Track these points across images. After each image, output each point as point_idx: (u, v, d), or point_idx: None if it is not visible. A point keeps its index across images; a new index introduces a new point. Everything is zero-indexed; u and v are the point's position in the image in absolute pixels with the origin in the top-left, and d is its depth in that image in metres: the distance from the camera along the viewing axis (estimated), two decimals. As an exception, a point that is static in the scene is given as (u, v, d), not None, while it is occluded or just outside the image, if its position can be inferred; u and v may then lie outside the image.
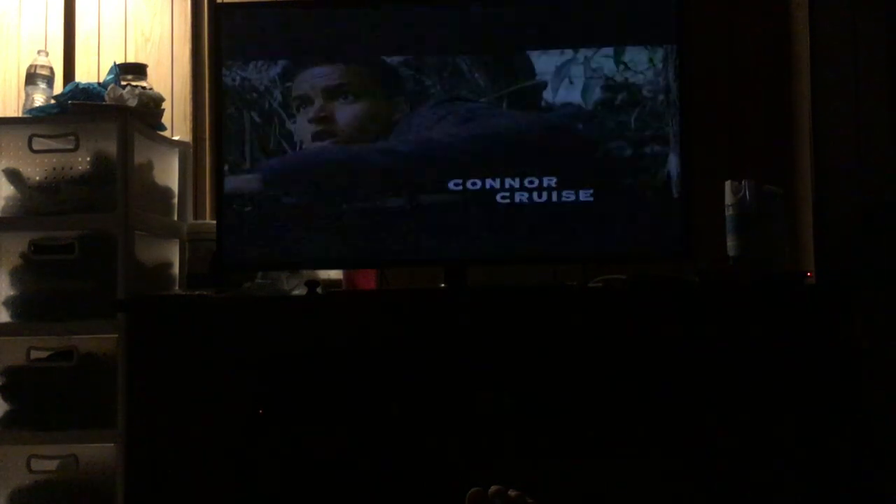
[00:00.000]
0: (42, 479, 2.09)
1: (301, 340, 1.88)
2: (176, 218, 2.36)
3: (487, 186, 1.96)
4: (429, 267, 2.09)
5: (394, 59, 1.99)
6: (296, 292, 2.10)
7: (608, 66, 1.96)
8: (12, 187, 2.15)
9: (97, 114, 2.13)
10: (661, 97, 1.94)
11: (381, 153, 1.99)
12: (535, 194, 1.96)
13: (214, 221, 2.09)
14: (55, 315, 2.09)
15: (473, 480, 1.39)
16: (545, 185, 1.96)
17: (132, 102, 2.16)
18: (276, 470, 1.84)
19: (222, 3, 2.37)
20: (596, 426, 1.81)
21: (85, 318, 2.07)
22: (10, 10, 2.55)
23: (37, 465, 2.09)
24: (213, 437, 1.87)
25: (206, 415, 1.87)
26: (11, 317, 2.13)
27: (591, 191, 1.95)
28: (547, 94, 1.97)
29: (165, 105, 2.31)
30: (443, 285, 2.01)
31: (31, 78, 2.30)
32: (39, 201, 2.12)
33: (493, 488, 1.34)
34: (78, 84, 2.20)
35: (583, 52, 1.96)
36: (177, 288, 2.31)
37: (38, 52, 2.36)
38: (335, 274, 2.19)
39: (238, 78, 2.01)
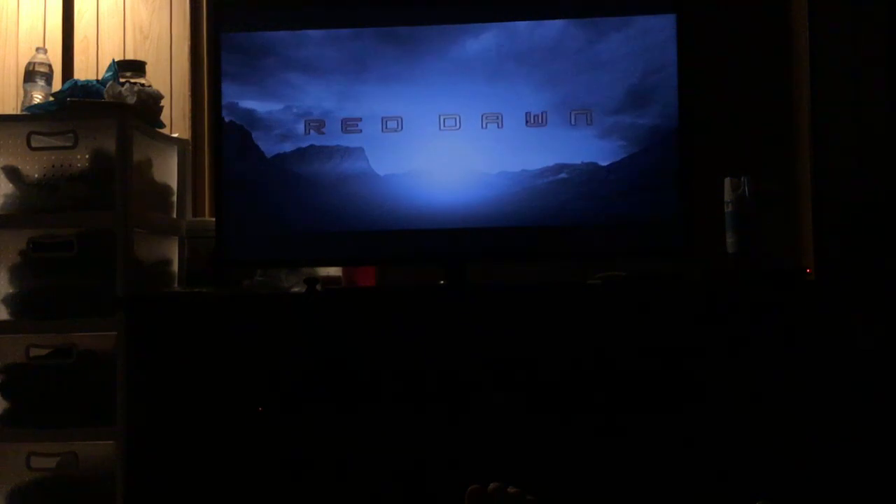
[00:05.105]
0: (42, 477, 2.09)
1: (300, 338, 1.88)
2: (175, 215, 2.36)
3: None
4: (428, 264, 2.09)
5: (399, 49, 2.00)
6: (295, 290, 2.10)
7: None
8: (11, 185, 2.15)
9: (96, 111, 2.12)
10: (660, 94, 1.95)
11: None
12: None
13: (213, 219, 2.09)
14: (54, 313, 2.08)
15: (473, 477, 1.39)
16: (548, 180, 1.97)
17: (131, 100, 2.15)
18: (275, 467, 1.85)
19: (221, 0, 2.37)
20: (596, 423, 1.81)
21: (84, 316, 2.06)
22: (9, 7, 2.55)
23: (36, 462, 2.09)
24: (212, 434, 1.87)
25: (206, 412, 1.87)
26: (10, 314, 2.13)
27: (592, 187, 1.96)
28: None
29: (164, 102, 2.31)
30: (442, 282, 2.01)
31: (30, 75, 2.30)
32: (38, 199, 2.12)
33: (492, 485, 1.35)
34: (76, 81, 2.19)
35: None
36: (176, 285, 2.31)
37: (37, 49, 2.36)
38: (334, 271, 2.19)
39: (237, 74, 2.01)
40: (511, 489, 1.34)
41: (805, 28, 2.14)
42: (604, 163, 1.96)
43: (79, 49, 2.52)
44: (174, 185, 2.37)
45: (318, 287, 1.94)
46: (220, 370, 1.88)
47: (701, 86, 2.13)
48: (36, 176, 2.14)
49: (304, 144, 2.00)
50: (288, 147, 2.00)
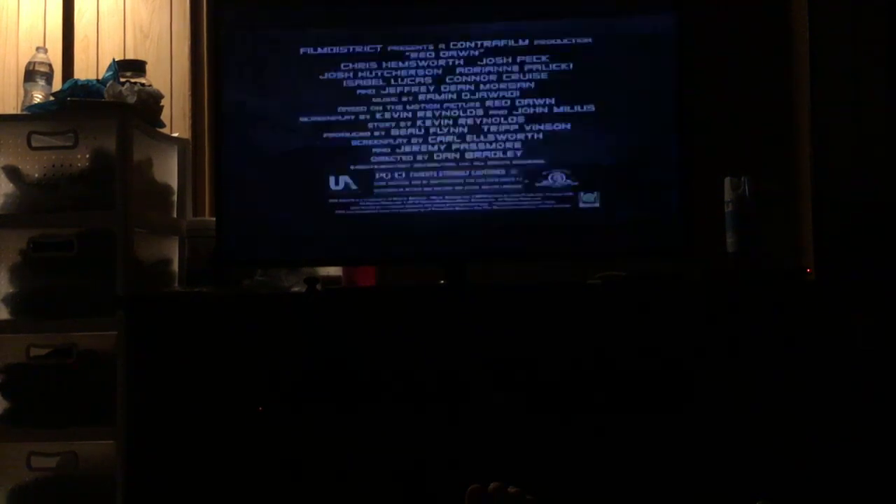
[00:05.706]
0: (42, 477, 2.09)
1: (300, 338, 1.88)
2: (175, 215, 2.36)
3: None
4: (428, 264, 2.09)
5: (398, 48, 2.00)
6: (295, 290, 2.10)
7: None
8: (11, 185, 2.15)
9: (96, 111, 2.13)
10: (660, 94, 1.95)
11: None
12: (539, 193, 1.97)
13: (213, 219, 2.09)
14: (54, 312, 2.08)
15: (473, 477, 1.39)
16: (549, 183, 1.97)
17: (131, 99, 2.16)
18: (275, 467, 1.85)
19: None
20: (596, 423, 1.81)
21: (84, 316, 2.06)
22: (9, 6, 2.55)
23: (37, 462, 2.09)
24: (212, 434, 1.87)
25: (206, 412, 1.87)
26: (11, 314, 2.13)
27: (591, 187, 1.96)
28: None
29: (164, 102, 2.31)
30: (442, 282, 2.01)
31: (30, 75, 2.30)
32: (38, 198, 2.12)
33: (492, 485, 1.35)
34: (77, 81, 2.19)
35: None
36: (176, 285, 2.31)
37: (37, 48, 2.36)
38: (334, 271, 2.19)
39: (237, 74, 2.01)
40: (511, 489, 1.34)
41: (805, 28, 2.14)
42: (604, 162, 1.96)
43: (79, 49, 2.52)
44: (174, 184, 2.37)
45: (318, 287, 1.94)
46: (220, 370, 1.88)
47: (701, 86, 2.13)
48: (36, 176, 2.14)
49: (305, 144, 2.00)
50: (288, 146, 2.00)
